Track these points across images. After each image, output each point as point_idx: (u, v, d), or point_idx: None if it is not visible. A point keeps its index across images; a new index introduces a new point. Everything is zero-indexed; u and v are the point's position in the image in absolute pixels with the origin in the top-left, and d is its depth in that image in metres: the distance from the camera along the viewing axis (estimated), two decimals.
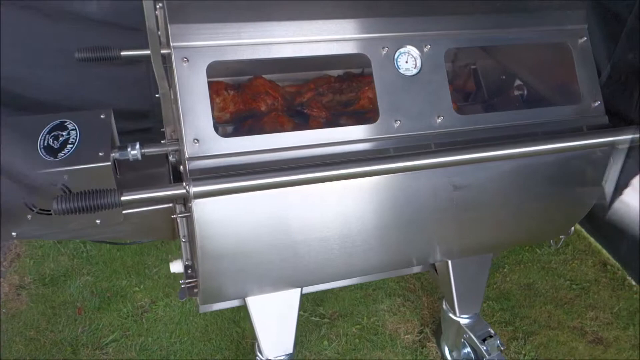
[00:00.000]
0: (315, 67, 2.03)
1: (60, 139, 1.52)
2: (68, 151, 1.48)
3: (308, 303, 2.43)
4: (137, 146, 1.60)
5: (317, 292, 2.42)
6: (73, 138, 1.53)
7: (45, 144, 1.49)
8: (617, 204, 1.91)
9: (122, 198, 1.21)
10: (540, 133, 1.58)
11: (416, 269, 2.20)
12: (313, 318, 2.38)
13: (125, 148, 1.59)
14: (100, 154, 1.47)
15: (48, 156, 1.45)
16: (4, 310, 2.34)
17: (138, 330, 2.30)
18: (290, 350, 1.73)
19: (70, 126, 1.58)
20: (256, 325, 1.69)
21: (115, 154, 1.56)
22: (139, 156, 1.60)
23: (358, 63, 2.02)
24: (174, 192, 1.26)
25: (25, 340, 2.22)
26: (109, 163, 1.46)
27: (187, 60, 1.31)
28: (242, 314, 2.35)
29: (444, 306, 2.03)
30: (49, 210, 1.48)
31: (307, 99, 1.85)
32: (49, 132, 1.53)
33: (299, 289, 1.72)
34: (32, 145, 1.47)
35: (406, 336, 2.31)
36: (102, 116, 1.63)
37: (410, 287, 2.55)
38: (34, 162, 1.42)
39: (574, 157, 1.61)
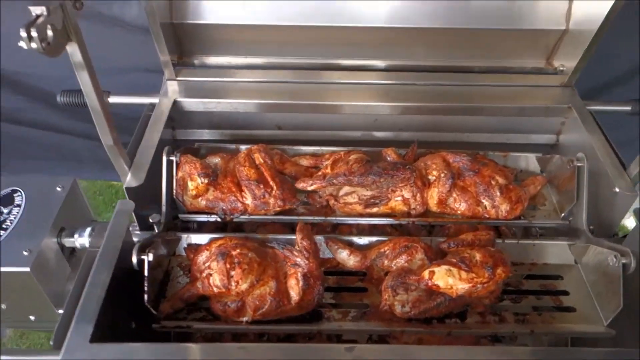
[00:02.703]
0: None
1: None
2: None
3: None
4: (87, 233, 1.31)
5: None
6: (11, 220, 1.28)
7: None
8: None
9: None
10: None
11: None
12: None
13: (72, 234, 1.32)
14: (24, 252, 1.21)
15: None
16: None
17: None
18: None
19: (18, 199, 1.34)
20: None
21: (58, 241, 1.30)
22: (88, 245, 1.32)
23: None
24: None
25: None
26: (28, 269, 1.18)
27: None
28: None
29: None
30: None
31: (316, 188, 1.37)
32: None
33: None
34: None
35: None
36: (58, 188, 1.36)
37: None
38: None
39: None
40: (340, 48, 1.67)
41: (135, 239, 1.29)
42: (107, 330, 0.99)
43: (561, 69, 1.63)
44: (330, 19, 1.59)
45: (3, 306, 1.28)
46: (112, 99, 1.55)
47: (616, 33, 1.81)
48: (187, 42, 1.64)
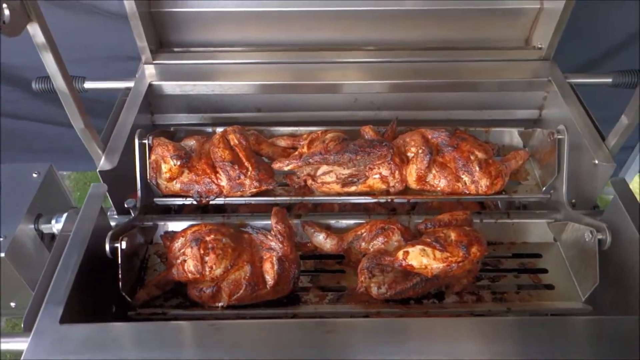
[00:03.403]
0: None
1: None
2: None
3: None
4: (63, 218, 1.30)
5: None
6: None
7: None
8: None
9: None
10: None
11: None
12: None
13: (49, 221, 1.31)
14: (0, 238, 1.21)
15: None
16: None
17: None
18: None
19: None
20: None
21: (36, 227, 1.30)
22: None
23: None
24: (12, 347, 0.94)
25: None
26: (2, 255, 1.18)
27: None
28: None
29: None
30: None
31: (292, 168, 1.36)
32: None
33: None
34: None
35: None
36: (34, 175, 1.35)
37: None
38: None
39: None
40: (319, 30, 1.65)
41: (112, 223, 1.29)
42: (82, 313, 0.99)
43: (539, 46, 1.61)
44: (306, 3, 1.58)
45: None
46: (88, 84, 1.53)
47: (606, 7, 1.80)
48: (165, 30, 1.62)
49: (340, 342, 0.90)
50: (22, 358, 0.88)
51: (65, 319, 0.94)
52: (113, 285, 1.10)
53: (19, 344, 0.91)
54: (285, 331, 0.94)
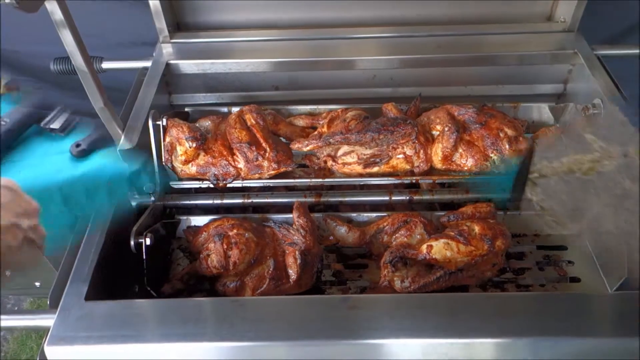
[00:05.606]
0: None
1: None
2: None
3: None
4: None
5: None
6: None
7: None
8: None
9: None
10: None
11: None
12: None
13: None
14: None
15: None
16: None
17: None
18: None
19: None
20: None
21: None
22: None
23: None
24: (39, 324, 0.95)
25: None
26: None
27: None
28: None
29: None
30: None
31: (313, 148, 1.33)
32: None
33: None
34: None
35: None
36: None
37: None
38: None
39: None
40: (337, 9, 1.61)
41: (133, 203, 1.29)
42: (106, 290, 1.00)
43: (562, 20, 1.56)
44: None
45: (7, 272, 1.29)
46: (105, 64, 1.53)
47: None
48: (182, 12, 1.60)
49: (365, 317, 0.89)
50: (49, 334, 0.89)
51: (90, 295, 0.94)
52: (136, 265, 1.11)
53: (46, 321, 0.92)
54: (309, 306, 0.94)
